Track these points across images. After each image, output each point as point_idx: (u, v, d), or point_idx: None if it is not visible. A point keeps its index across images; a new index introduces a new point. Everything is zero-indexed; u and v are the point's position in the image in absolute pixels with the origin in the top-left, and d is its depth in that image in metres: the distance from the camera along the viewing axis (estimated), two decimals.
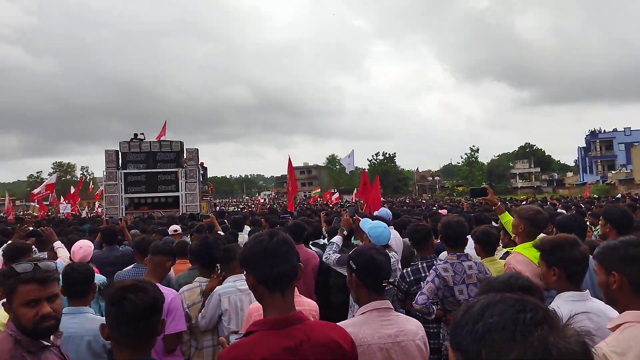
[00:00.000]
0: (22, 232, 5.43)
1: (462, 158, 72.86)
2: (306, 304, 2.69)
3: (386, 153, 78.64)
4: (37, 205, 23.07)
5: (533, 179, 75.57)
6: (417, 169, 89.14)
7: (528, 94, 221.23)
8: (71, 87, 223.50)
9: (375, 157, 78.17)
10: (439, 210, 10.46)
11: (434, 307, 3.23)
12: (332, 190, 43.24)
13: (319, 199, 37.83)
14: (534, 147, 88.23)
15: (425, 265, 3.68)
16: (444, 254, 3.73)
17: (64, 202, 24.34)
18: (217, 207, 28.12)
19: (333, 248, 4.10)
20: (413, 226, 4.08)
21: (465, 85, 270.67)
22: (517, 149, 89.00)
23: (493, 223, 5.38)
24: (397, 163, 79.86)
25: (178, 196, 19.20)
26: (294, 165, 15.23)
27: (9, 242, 4.58)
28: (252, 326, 1.58)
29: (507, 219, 3.78)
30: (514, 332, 0.75)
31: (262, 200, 41.19)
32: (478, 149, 71.24)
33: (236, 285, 3.22)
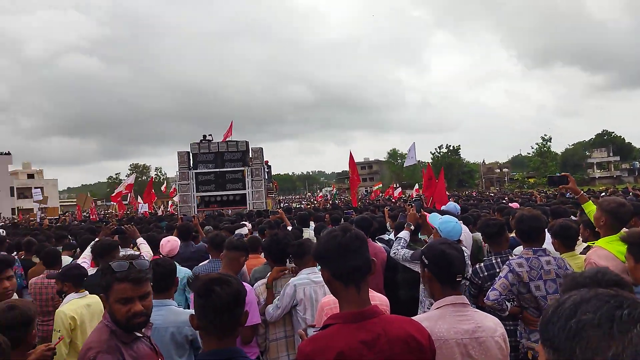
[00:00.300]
0: (107, 230, 5.88)
1: (532, 148, 69.34)
2: (377, 299, 2.70)
3: (450, 145, 76.43)
4: (116, 205, 24.82)
5: (612, 169, 70.36)
6: (484, 161, 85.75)
7: (603, 78, 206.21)
8: (143, 93, 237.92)
9: (438, 150, 76.24)
10: (510, 204, 10.05)
11: (507, 303, 3.12)
12: (394, 185, 42.70)
13: (380, 194, 37.53)
14: (612, 134, 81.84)
15: (499, 260, 3.55)
16: (519, 249, 3.59)
17: (141, 202, 25.96)
18: (281, 204, 28.82)
19: (401, 243, 4.08)
20: (485, 220, 3.95)
21: (534, 72, 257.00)
22: (593, 136, 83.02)
23: (572, 217, 5.09)
24: (461, 155, 77.42)
25: (245, 194, 19.92)
26: (354, 160, 15.25)
27: (96, 239, 4.98)
28: (329, 319, 1.63)
29: (591, 209, 3.54)
30: (610, 329, 0.73)
31: (322, 197, 41.60)
32: (550, 138, 67.44)
33: (310, 277, 3.35)
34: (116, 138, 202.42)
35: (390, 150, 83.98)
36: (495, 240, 3.72)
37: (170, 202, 35.04)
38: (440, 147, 76.32)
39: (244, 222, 7.77)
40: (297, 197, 76.31)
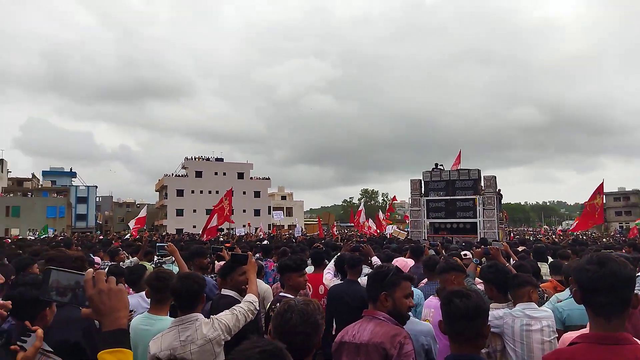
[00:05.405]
0: (348, 247, 6.77)
1: None
2: None
3: None
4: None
5: None
6: None
7: None
8: (371, 125, 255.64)
9: None
10: None
11: None
12: None
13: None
14: None
15: None
16: None
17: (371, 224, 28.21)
18: (511, 235, 26.83)
19: None
20: None
21: None
22: None
23: None
24: None
25: (476, 222, 19.53)
26: (605, 190, 13.26)
27: (340, 253, 5.76)
28: (576, 338, 1.63)
29: None
30: None
31: (561, 230, 36.76)
32: None
33: (525, 311, 3.25)
34: (349, 166, 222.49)
35: None
36: None
37: (393, 226, 36.80)
38: None
39: (465, 252, 7.71)
40: (530, 229, 69.40)
